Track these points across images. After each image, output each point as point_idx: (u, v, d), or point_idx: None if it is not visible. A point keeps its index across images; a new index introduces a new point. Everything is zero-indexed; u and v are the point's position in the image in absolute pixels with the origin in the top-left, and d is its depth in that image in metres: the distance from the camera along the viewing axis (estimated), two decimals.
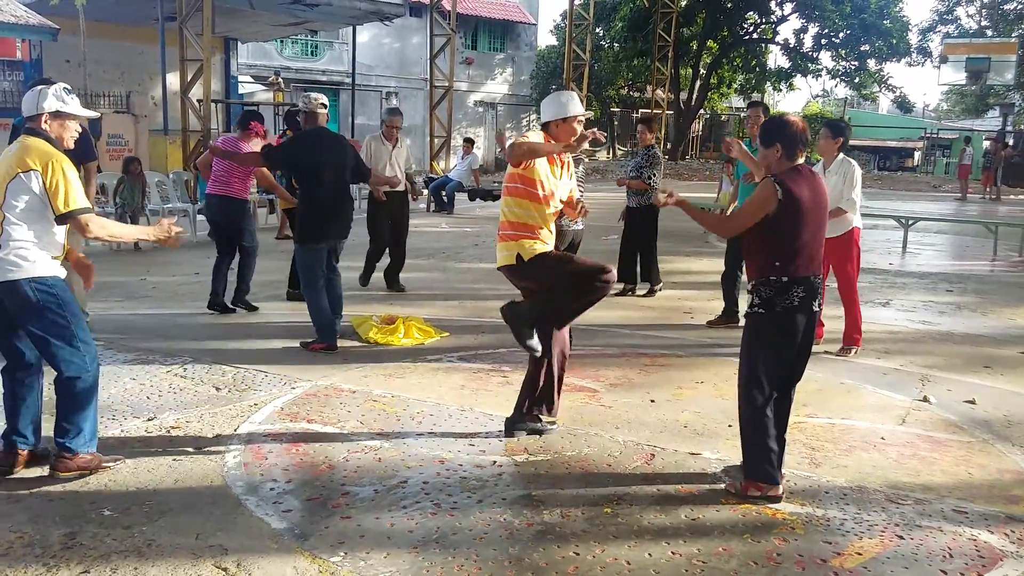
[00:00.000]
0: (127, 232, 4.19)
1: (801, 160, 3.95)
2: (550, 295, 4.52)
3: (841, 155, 6.52)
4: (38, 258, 3.79)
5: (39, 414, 4.06)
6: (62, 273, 3.91)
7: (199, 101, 16.65)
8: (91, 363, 3.91)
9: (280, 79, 24.13)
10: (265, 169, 7.21)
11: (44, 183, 3.74)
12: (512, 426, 4.63)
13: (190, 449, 4.34)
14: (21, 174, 3.74)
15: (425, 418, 4.93)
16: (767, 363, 3.89)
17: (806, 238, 3.85)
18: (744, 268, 4.15)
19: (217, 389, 5.35)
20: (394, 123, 8.19)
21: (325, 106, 6.55)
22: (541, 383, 4.61)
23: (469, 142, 18.39)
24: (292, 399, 5.19)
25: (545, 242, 4.53)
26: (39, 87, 3.94)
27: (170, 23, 17.05)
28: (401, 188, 8.28)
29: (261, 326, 7.13)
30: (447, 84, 24.08)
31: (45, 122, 3.88)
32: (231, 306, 7.46)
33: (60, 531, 3.43)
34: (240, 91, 25.31)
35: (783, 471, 4.00)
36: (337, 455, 4.31)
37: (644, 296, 8.71)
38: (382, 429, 4.72)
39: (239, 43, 24.31)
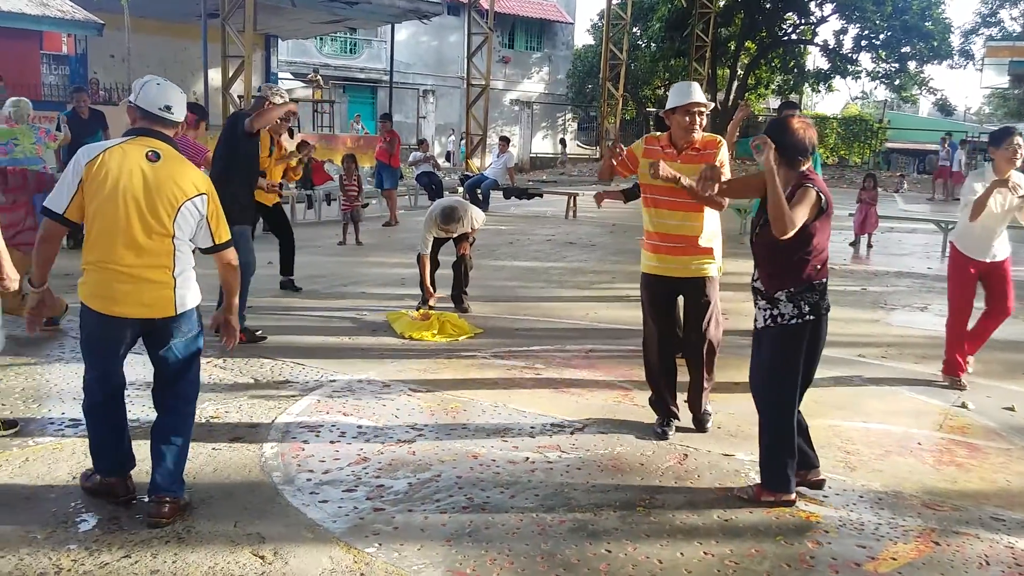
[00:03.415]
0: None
1: (806, 166, 3.77)
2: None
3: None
4: (196, 283, 3.60)
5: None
6: None
7: (240, 97, 16.86)
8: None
9: (319, 76, 24.36)
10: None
11: (208, 208, 3.49)
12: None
13: (229, 439, 4.41)
14: (196, 198, 3.44)
15: (459, 413, 4.97)
16: (797, 372, 3.85)
17: (829, 236, 3.89)
18: (774, 279, 3.82)
19: (255, 381, 5.43)
20: (449, 230, 7.46)
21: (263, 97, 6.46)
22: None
23: (505, 141, 18.41)
24: (329, 392, 5.25)
25: None
26: (160, 81, 3.54)
27: (212, 20, 17.29)
28: (467, 231, 7.65)
29: (299, 319, 7.21)
30: (484, 83, 24.17)
31: (179, 135, 3.58)
32: None
33: (101, 516, 3.51)
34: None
35: (821, 473, 4.02)
36: (372, 448, 4.36)
37: None
38: (416, 423, 4.76)
39: (279, 40, 24.60)
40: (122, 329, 3.44)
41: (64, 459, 4.05)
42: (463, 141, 26.02)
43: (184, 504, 3.55)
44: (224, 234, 3.58)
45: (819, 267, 3.80)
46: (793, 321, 3.79)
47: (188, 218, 3.43)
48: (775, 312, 3.82)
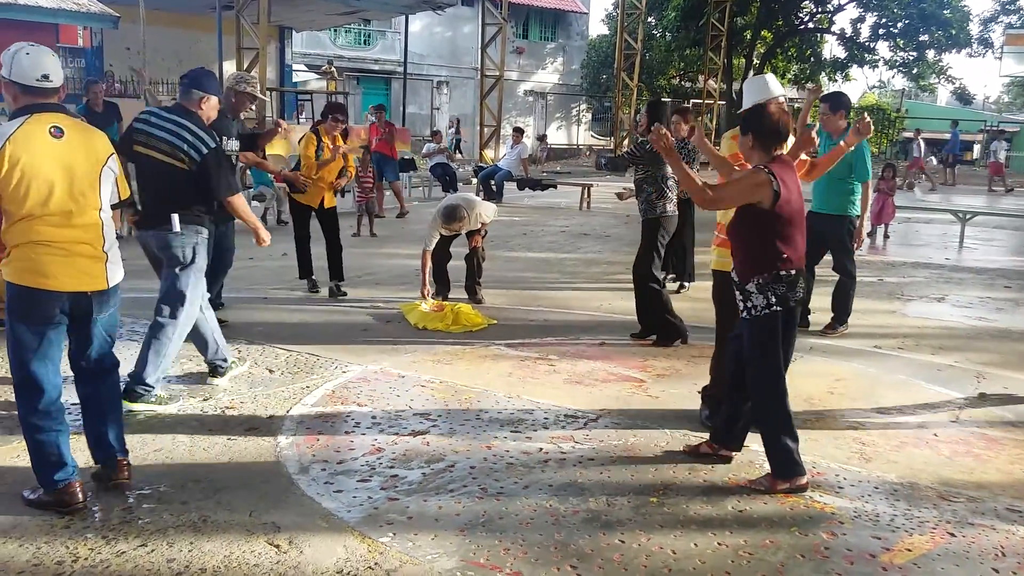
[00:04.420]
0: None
1: (781, 152, 3.89)
2: None
3: None
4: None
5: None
6: None
7: None
8: None
9: (333, 68, 24.36)
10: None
11: (117, 167, 3.58)
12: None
13: (244, 429, 4.44)
14: (109, 161, 3.51)
15: (472, 404, 4.98)
16: (779, 361, 3.90)
17: (802, 229, 3.91)
18: (745, 269, 3.91)
19: (271, 371, 5.45)
20: (453, 228, 7.42)
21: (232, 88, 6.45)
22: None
23: (519, 132, 18.39)
24: (343, 382, 5.27)
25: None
26: (34, 46, 3.41)
27: (227, 12, 17.30)
28: (475, 228, 7.60)
29: (314, 311, 7.23)
30: (498, 74, 24.08)
31: (61, 98, 3.51)
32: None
33: (118, 506, 3.54)
34: (294, 79, 25.62)
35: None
36: (386, 438, 4.37)
37: (676, 292, 8.65)
38: (430, 414, 4.77)
39: (293, 32, 24.58)
40: (54, 304, 3.39)
41: (82, 448, 4.06)
42: (450, 129, 25.82)
43: None
44: (126, 190, 3.71)
45: (786, 257, 3.83)
46: (763, 312, 3.84)
47: (107, 183, 3.51)
48: (748, 304, 3.88)
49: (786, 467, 3.89)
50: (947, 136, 27.18)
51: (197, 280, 4.80)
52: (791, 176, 3.86)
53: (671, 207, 6.39)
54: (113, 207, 3.64)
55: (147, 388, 4.66)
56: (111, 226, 3.55)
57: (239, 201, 4.77)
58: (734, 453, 4.22)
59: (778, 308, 3.82)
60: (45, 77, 3.38)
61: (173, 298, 4.70)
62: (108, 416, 3.68)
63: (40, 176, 3.30)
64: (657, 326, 6.47)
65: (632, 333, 6.62)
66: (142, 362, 4.67)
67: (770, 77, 4.62)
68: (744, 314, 3.92)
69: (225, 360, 5.18)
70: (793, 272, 3.83)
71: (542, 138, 34.06)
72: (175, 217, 4.66)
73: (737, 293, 3.94)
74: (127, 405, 4.53)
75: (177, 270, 4.72)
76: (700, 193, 3.89)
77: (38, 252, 3.34)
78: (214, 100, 4.86)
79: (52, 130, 3.36)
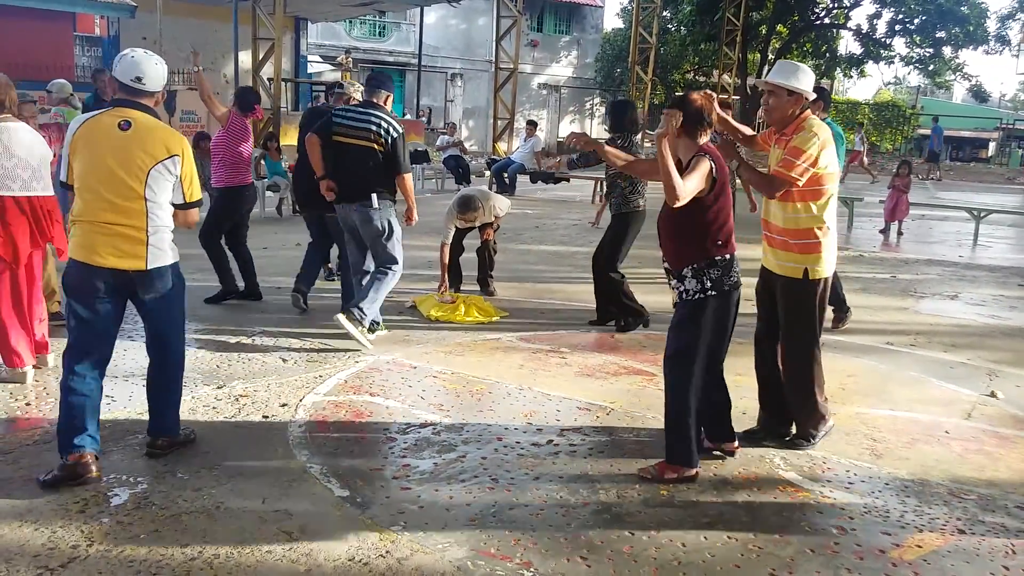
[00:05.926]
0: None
1: (705, 139, 3.86)
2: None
3: None
4: (172, 244, 3.79)
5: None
6: None
7: (270, 80, 16.93)
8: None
9: (348, 59, 24.39)
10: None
11: (182, 169, 3.71)
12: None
13: (258, 417, 4.47)
14: (167, 160, 3.65)
15: (484, 395, 5.00)
16: (709, 346, 3.88)
17: (732, 213, 3.92)
18: (679, 255, 3.90)
19: (284, 360, 5.48)
20: (468, 219, 7.51)
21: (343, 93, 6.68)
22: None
23: (532, 124, 18.38)
24: (356, 372, 5.30)
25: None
26: (146, 52, 3.73)
27: (243, 2, 17.36)
28: (488, 220, 7.70)
29: (327, 301, 7.25)
30: (512, 66, 24.06)
31: (159, 102, 3.78)
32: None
33: (133, 491, 3.57)
34: (309, 70, 25.65)
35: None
36: (398, 428, 4.40)
37: None
38: (442, 404, 4.80)
39: (309, 23, 24.63)
40: (97, 279, 3.61)
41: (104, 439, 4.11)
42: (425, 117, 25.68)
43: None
44: (195, 194, 3.82)
45: (721, 242, 3.84)
46: (696, 296, 3.85)
47: (160, 180, 3.66)
48: (682, 288, 3.89)
49: (679, 455, 3.87)
50: (965, 135, 26.96)
51: (399, 243, 5.90)
52: (720, 161, 3.87)
53: (643, 202, 6.47)
54: (180, 207, 3.80)
55: (363, 313, 5.71)
56: (161, 216, 3.69)
57: (409, 179, 5.88)
58: (736, 447, 4.20)
59: (712, 292, 3.83)
60: (138, 79, 3.68)
61: (389, 261, 5.85)
62: (160, 393, 3.92)
63: (96, 160, 3.59)
64: (619, 313, 6.61)
65: (591, 320, 6.77)
66: (364, 294, 5.79)
67: (777, 64, 4.33)
68: (678, 296, 3.96)
69: (354, 312, 5.72)
70: (728, 257, 3.86)
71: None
72: (374, 196, 5.71)
73: (674, 281, 3.94)
74: (346, 323, 5.64)
75: (384, 240, 5.81)
76: (673, 192, 3.66)
77: (89, 229, 3.61)
78: (392, 97, 5.94)
79: (121, 123, 3.63)
